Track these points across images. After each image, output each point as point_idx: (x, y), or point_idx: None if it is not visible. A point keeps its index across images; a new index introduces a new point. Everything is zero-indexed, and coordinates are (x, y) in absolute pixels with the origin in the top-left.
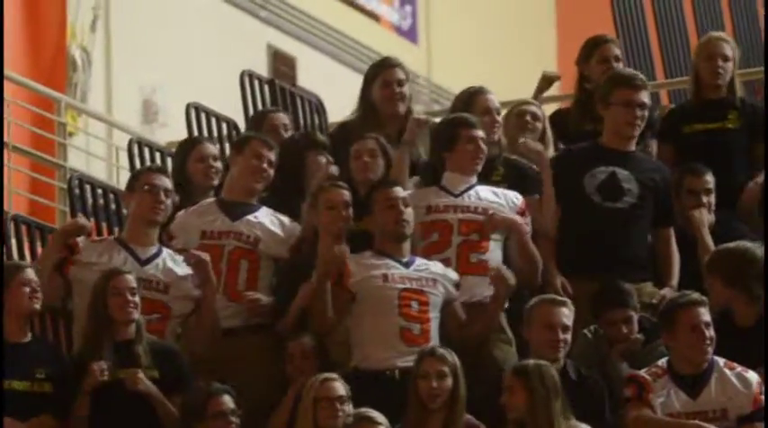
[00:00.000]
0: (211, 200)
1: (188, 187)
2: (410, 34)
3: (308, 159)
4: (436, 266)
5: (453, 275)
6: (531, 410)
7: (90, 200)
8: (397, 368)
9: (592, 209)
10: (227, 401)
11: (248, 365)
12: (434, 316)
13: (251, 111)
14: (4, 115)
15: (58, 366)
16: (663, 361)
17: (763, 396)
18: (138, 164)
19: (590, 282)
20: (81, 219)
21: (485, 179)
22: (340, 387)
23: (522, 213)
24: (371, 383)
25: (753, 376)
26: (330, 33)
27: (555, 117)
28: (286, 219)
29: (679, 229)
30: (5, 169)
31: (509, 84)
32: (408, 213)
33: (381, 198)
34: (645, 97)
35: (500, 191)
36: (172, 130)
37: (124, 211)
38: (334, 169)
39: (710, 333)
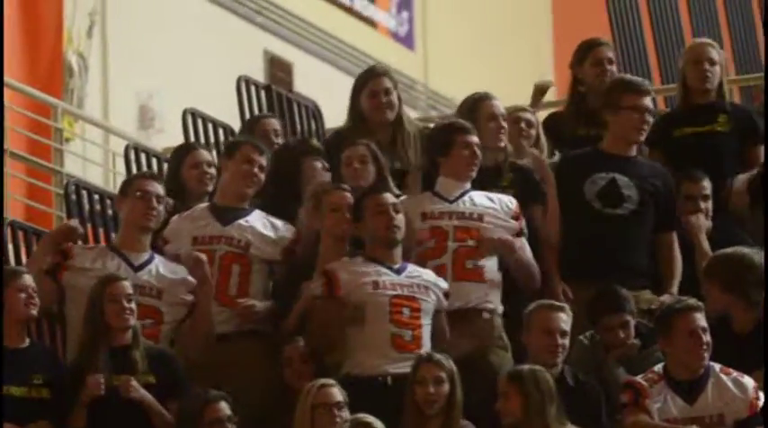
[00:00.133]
0: (204, 205)
1: (182, 193)
2: (407, 40)
3: (303, 165)
4: (428, 274)
5: (443, 284)
6: (526, 415)
7: (87, 206)
8: (390, 374)
9: (592, 215)
10: (224, 408)
11: (241, 371)
12: (426, 322)
13: (248, 117)
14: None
15: (56, 372)
16: (659, 367)
17: (759, 401)
18: (134, 170)
19: (588, 288)
20: (72, 222)
21: (492, 185)
22: (337, 393)
23: (516, 217)
24: (364, 389)
25: (749, 381)
26: (327, 39)
27: (548, 121)
28: (279, 222)
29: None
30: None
31: (505, 90)
32: (399, 219)
33: (372, 204)
34: (650, 103)
35: (494, 195)
36: (168, 136)
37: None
38: (326, 176)
39: (707, 338)
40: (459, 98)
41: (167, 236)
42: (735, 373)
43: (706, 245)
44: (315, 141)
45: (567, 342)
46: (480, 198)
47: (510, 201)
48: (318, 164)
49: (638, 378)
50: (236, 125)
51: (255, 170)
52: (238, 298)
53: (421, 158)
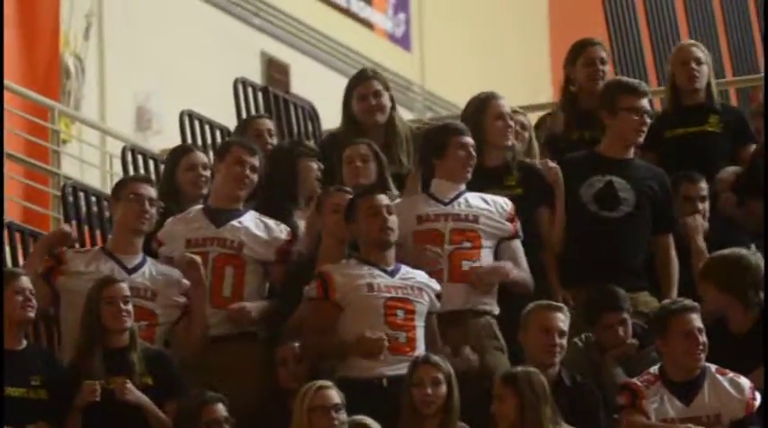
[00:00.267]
0: (198, 207)
1: (177, 195)
2: (403, 42)
3: (298, 166)
4: (422, 275)
5: (436, 286)
6: (520, 417)
7: (84, 208)
8: (385, 376)
9: (588, 218)
10: (221, 409)
11: (236, 373)
12: (420, 324)
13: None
14: None
15: (53, 373)
16: (655, 368)
17: (756, 402)
18: (131, 172)
19: (585, 290)
20: (65, 227)
21: (498, 184)
22: (335, 396)
23: (511, 219)
24: (360, 392)
25: (745, 381)
26: (324, 41)
27: (541, 123)
28: (272, 222)
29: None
30: None
31: (501, 92)
32: (392, 220)
33: (365, 205)
34: (648, 104)
35: (489, 197)
36: (165, 138)
37: None
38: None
39: (703, 338)
40: (455, 100)
41: (161, 238)
42: (731, 374)
43: (703, 246)
44: (309, 142)
45: (564, 342)
46: (475, 199)
47: (505, 203)
48: (314, 166)
49: (635, 380)
50: (233, 127)
51: (247, 171)
52: (233, 299)
53: (414, 159)
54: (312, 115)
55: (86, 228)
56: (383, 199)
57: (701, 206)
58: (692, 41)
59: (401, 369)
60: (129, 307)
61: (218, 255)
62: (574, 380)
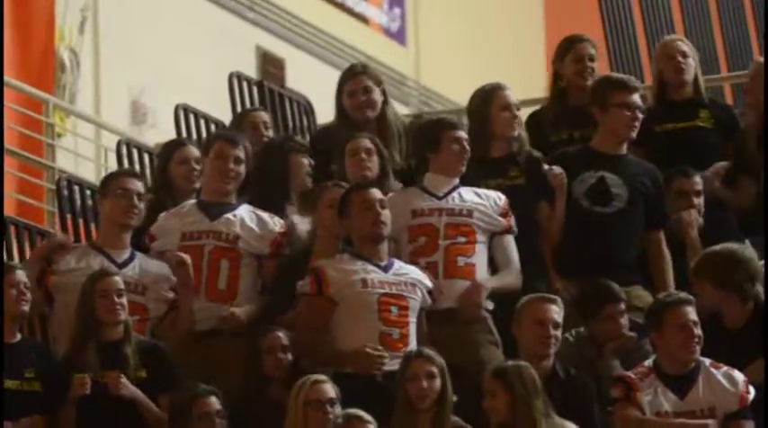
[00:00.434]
0: (192, 201)
1: (170, 189)
2: (399, 36)
3: (290, 162)
4: (414, 271)
5: (429, 282)
6: (512, 411)
7: (78, 202)
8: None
9: (580, 213)
10: (214, 403)
11: (230, 367)
12: (413, 320)
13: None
14: None
15: (47, 366)
16: (649, 362)
17: (749, 395)
18: (126, 166)
19: (578, 285)
20: (60, 237)
21: (501, 175)
22: (330, 390)
23: (504, 214)
24: (353, 387)
25: (739, 375)
26: (319, 35)
27: (531, 120)
28: (266, 215)
29: (666, 232)
30: None
31: None
32: (386, 215)
33: (358, 200)
34: (639, 99)
35: (482, 191)
36: (160, 132)
37: None
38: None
39: (698, 331)
40: (450, 94)
41: (154, 232)
42: (725, 367)
43: (697, 241)
44: (300, 138)
45: (559, 333)
46: (469, 194)
47: (498, 198)
48: (305, 161)
49: (629, 373)
50: (228, 121)
51: (231, 165)
52: (228, 292)
53: (407, 153)
54: (307, 109)
55: (81, 222)
56: (376, 193)
57: (695, 201)
58: (677, 36)
59: (395, 365)
60: (124, 300)
61: (213, 248)
62: (568, 373)
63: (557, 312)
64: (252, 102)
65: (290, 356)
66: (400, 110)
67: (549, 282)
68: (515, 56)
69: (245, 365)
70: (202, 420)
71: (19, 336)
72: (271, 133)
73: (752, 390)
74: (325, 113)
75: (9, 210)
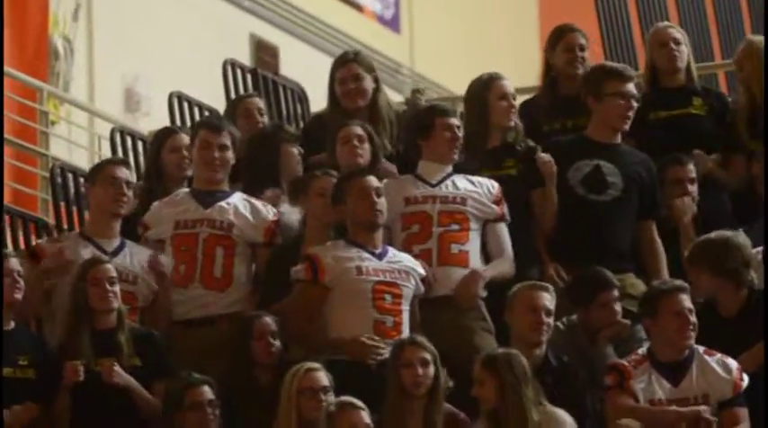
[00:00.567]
0: (185, 190)
1: (162, 177)
2: (393, 24)
3: (280, 151)
4: (408, 259)
5: (422, 270)
6: (502, 398)
7: (72, 189)
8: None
9: (575, 201)
10: (207, 392)
11: (225, 354)
12: (406, 308)
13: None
14: None
15: (41, 353)
16: (643, 349)
17: (743, 382)
18: (120, 153)
19: (571, 273)
20: (67, 253)
21: (496, 165)
22: (323, 378)
23: (497, 202)
24: (346, 374)
25: (733, 362)
26: (313, 23)
27: (523, 109)
28: (259, 203)
29: (659, 220)
30: None
31: None
32: (381, 202)
33: (355, 187)
34: (634, 88)
35: (476, 179)
36: (154, 119)
37: None
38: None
39: (693, 318)
40: (444, 82)
41: (148, 221)
42: (719, 354)
43: (691, 229)
44: (290, 127)
45: (551, 321)
46: (462, 181)
47: (492, 185)
48: (295, 151)
49: (623, 361)
50: (221, 108)
51: (215, 154)
52: (223, 280)
53: (397, 139)
54: (301, 97)
55: (75, 209)
56: (373, 180)
57: (690, 188)
58: (668, 23)
59: (388, 353)
60: (116, 288)
61: (208, 236)
62: (560, 361)
63: (549, 299)
64: (246, 90)
65: (278, 342)
66: (394, 98)
67: (542, 270)
68: (509, 43)
69: (233, 351)
70: (194, 409)
71: (13, 324)
72: (265, 119)
73: (745, 378)
74: (318, 101)
75: (3, 199)
